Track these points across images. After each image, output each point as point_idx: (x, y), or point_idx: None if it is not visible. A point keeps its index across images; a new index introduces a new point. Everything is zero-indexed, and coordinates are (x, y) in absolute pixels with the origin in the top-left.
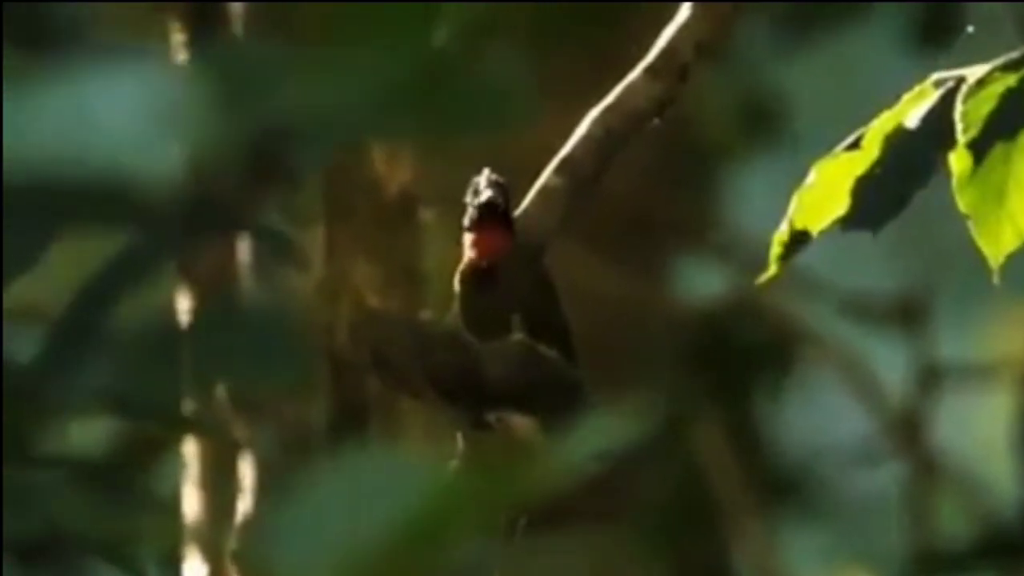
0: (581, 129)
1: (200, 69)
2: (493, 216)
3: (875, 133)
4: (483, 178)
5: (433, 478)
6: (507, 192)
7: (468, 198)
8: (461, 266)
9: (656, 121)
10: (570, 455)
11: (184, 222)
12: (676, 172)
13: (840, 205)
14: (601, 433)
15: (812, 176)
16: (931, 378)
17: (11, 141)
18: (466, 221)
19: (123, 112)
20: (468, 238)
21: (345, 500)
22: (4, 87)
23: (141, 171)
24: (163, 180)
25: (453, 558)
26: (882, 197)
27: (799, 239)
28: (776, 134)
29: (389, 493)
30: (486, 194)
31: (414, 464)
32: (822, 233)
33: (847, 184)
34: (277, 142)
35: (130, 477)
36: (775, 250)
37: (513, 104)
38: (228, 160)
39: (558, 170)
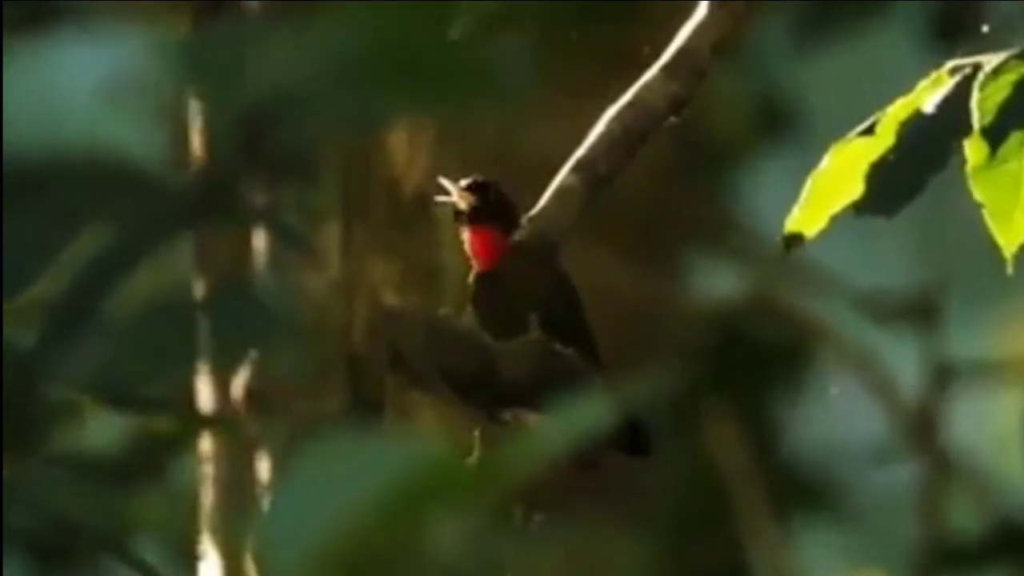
0: (598, 127)
1: (187, 45)
2: (478, 221)
3: (890, 119)
4: (456, 185)
5: (418, 456)
6: (491, 191)
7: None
8: (472, 273)
9: (673, 120)
10: (558, 436)
11: (186, 204)
12: (691, 171)
13: (854, 189)
14: (588, 417)
15: (827, 160)
16: (945, 376)
17: None
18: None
19: (94, 86)
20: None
21: (331, 480)
22: None
23: (114, 145)
24: (146, 157)
25: (448, 542)
26: (896, 182)
27: (811, 223)
28: (791, 133)
29: (375, 472)
30: (457, 199)
31: (400, 443)
32: (837, 228)
33: (861, 169)
34: (268, 118)
35: (145, 474)
36: (787, 233)
37: (505, 80)
38: (221, 137)
39: (575, 168)
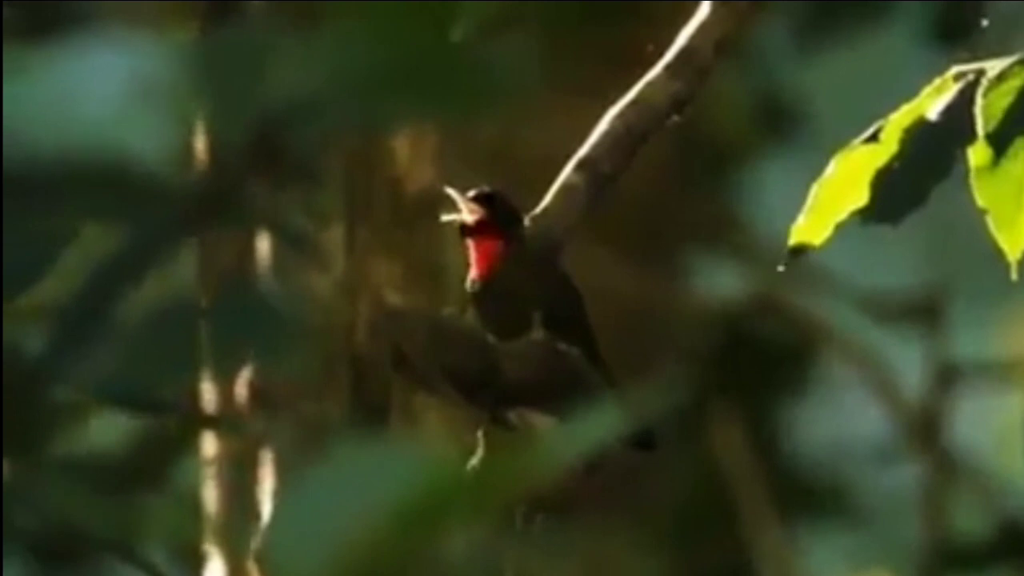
0: (601, 126)
1: (195, 50)
2: (484, 233)
3: (894, 126)
4: (464, 197)
5: (429, 465)
6: (496, 201)
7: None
8: (470, 278)
9: (675, 119)
10: (569, 444)
11: (194, 210)
12: (694, 171)
13: (859, 197)
14: (601, 423)
15: (831, 168)
16: (949, 377)
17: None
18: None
19: (107, 92)
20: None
21: (341, 489)
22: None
23: (126, 150)
24: (158, 162)
25: (451, 546)
26: (901, 190)
27: (816, 231)
28: (794, 133)
29: (385, 481)
30: (465, 213)
31: (410, 452)
32: (840, 228)
33: (866, 177)
34: (275, 124)
35: (149, 475)
36: (792, 242)
37: (508, 81)
38: (228, 143)
39: (578, 167)
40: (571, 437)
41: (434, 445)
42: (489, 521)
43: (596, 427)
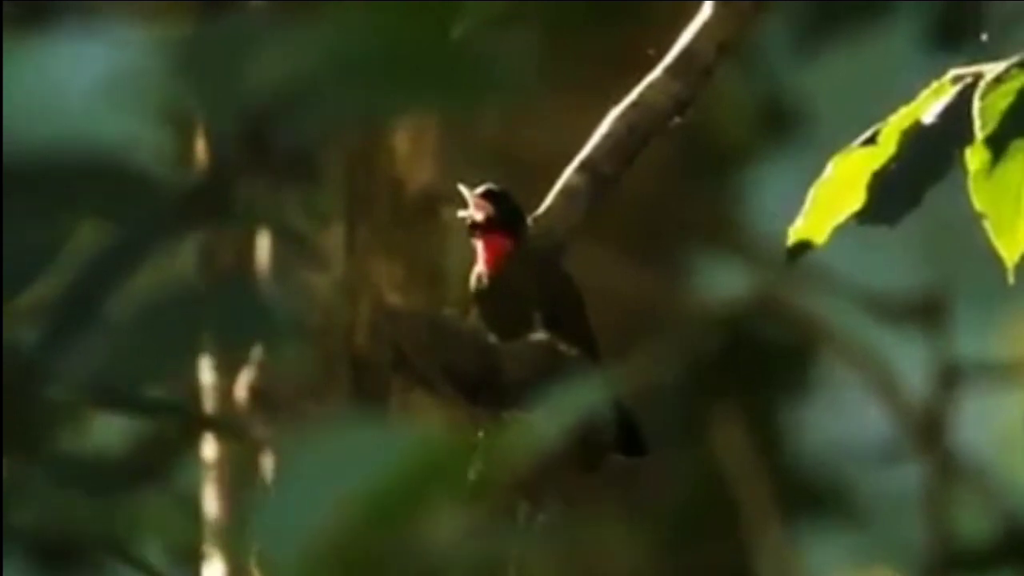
0: (603, 127)
1: (181, 42)
2: (489, 227)
3: (892, 128)
4: (472, 193)
5: (414, 442)
6: (504, 199)
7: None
8: (473, 277)
9: (677, 120)
10: (553, 423)
11: (188, 205)
12: (696, 172)
13: (856, 199)
14: (575, 405)
15: (829, 170)
16: (951, 377)
17: None
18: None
19: (88, 82)
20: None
21: (328, 470)
22: None
23: (110, 143)
24: (152, 157)
25: (441, 532)
26: (898, 192)
27: (815, 233)
28: (795, 134)
29: (371, 461)
30: (474, 209)
31: (395, 431)
32: (839, 229)
33: (863, 179)
34: (268, 116)
35: (149, 475)
36: (791, 243)
37: (507, 78)
38: (220, 136)
39: (580, 168)
40: (554, 415)
41: (422, 426)
42: (478, 501)
43: (577, 404)
